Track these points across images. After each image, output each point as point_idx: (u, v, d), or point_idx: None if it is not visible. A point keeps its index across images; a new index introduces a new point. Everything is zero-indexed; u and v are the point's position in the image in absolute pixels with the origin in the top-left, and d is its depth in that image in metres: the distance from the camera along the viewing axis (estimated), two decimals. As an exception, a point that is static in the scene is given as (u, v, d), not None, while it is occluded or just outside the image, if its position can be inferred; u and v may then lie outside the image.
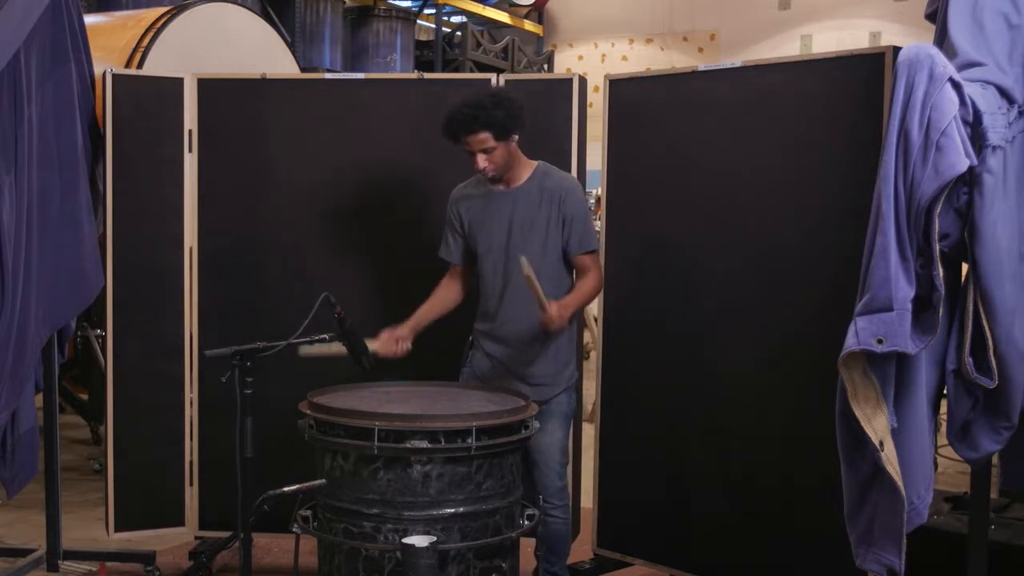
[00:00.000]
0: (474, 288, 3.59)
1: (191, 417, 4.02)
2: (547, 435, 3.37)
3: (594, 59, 14.37)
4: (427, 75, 4.02)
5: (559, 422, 3.47)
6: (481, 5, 13.43)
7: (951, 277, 2.44)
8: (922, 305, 2.35)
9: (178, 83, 3.96)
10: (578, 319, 3.67)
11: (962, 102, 2.32)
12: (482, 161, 3.33)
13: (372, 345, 3.33)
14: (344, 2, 10.75)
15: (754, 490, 3.49)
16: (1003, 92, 2.41)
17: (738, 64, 3.55)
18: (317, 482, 2.89)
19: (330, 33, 10.28)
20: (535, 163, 3.48)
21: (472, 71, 11.60)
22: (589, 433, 3.95)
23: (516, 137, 3.38)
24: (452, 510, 2.81)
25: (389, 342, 3.41)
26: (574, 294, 3.41)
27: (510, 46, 13.14)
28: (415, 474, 2.79)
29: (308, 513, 3.02)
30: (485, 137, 3.30)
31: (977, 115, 2.35)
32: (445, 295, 3.58)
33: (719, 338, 3.57)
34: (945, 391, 2.56)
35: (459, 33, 12.73)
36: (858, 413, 2.38)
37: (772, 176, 3.43)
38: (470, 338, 3.57)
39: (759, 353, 3.47)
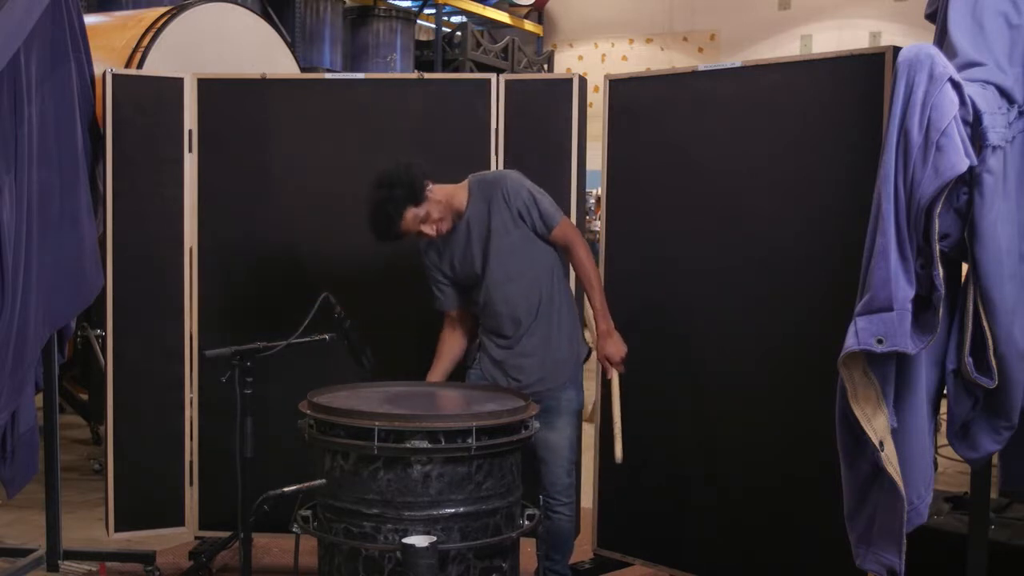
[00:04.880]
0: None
1: (191, 417, 4.02)
2: (557, 432, 3.37)
3: (594, 59, 14.36)
4: (427, 75, 4.02)
5: (569, 419, 3.47)
6: (481, 5, 13.42)
7: (951, 277, 2.44)
8: (922, 305, 2.35)
9: (178, 83, 3.96)
10: (579, 318, 3.67)
11: (962, 102, 2.32)
12: (429, 229, 3.32)
13: None
14: (344, 2, 10.74)
15: (754, 490, 3.49)
16: (1003, 92, 2.42)
17: (738, 64, 3.55)
18: (317, 482, 2.89)
19: (330, 33, 10.27)
20: (465, 181, 3.46)
21: (472, 71, 11.59)
22: (589, 433, 3.94)
23: (431, 187, 3.34)
24: (452, 510, 2.81)
25: None
26: (594, 302, 3.43)
27: (510, 46, 13.13)
28: (415, 474, 2.79)
29: (308, 513, 3.02)
30: (409, 215, 3.27)
31: (977, 115, 2.35)
32: (452, 346, 3.56)
33: (719, 338, 3.57)
34: (945, 391, 2.56)
35: (459, 33, 12.72)
36: (858, 413, 2.38)
37: (772, 176, 3.43)
38: (477, 341, 3.57)
39: (759, 353, 3.47)
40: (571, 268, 3.55)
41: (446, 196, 3.39)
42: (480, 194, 3.41)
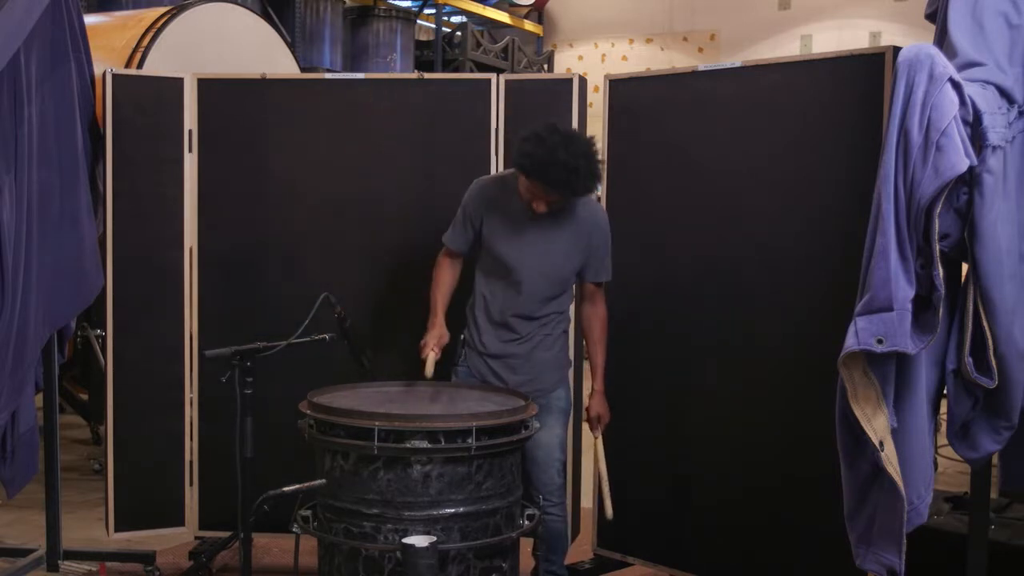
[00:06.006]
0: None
1: (191, 417, 4.02)
2: (547, 431, 3.37)
3: (594, 59, 14.34)
4: (427, 75, 4.02)
5: (559, 418, 3.48)
6: (481, 5, 13.40)
7: (951, 277, 2.44)
8: (922, 305, 2.35)
9: (178, 83, 3.96)
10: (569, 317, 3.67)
11: (962, 102, 2.32)
12: (541, 206, 3.29)
13: (428, 370, 3.32)
14: (344, 2, 10.73)
15: (754, 490, 3.49)
16: (1003, 92, 2.42)
17: (738, 64, 3.55)
18: (317, 482, 2.89)
19: (330, 33, 10.26)
20: None
21: (472, 71, 11.58)
22: (589, 435, 3.95)
23: None
24: (452, 510, 2.81)
25: (437, 349, 3.37)
26: (597, 361, 3.52)
27: (510, 46, 13.12)
28: (415, 474, 2.79)
29: (308, 513, 3.02)
30: (555, 198, 3.27)
31: (977, 115, 2.35)
32: (452, 279, 3.55)
33: (719, 338, 3.57)
34: (945, 391, 2.56)
35: (459, 33, 12.70)
36: (858, 413, 2.38)
37: (772, 176, 3.43)
38: (462, 336, 3.56)
39: (758, 352, 3.47)
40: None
41: None
42: (575, 205, 3.40)
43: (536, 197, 3.27)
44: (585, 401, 3.65)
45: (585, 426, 3.97)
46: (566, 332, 3.57)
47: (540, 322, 3.45)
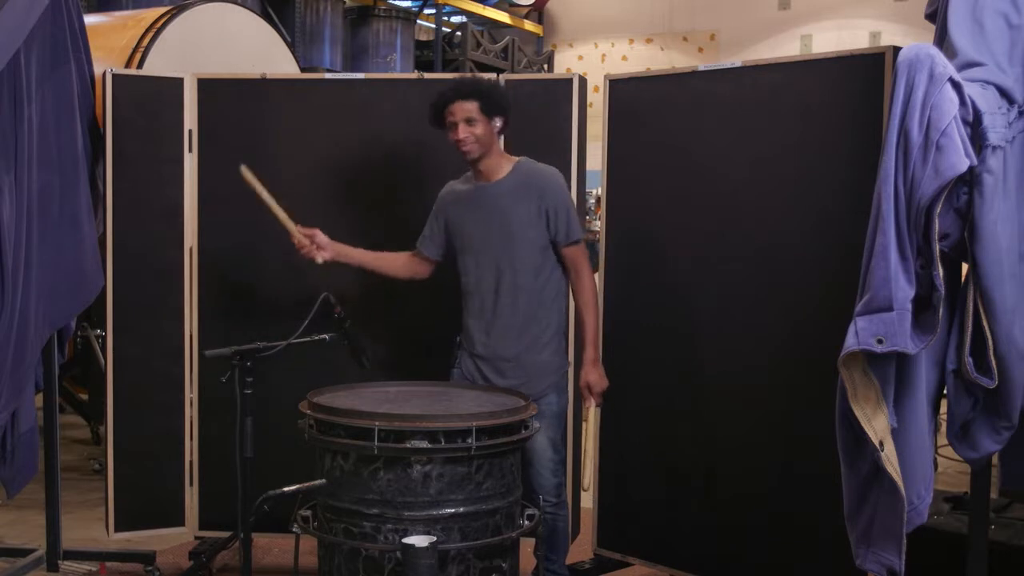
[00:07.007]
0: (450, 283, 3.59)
1: (191, 417, 4.02)
2: (539, 434, 3.37)
3: (594, 59, 14.35)
4: (427, 75, 4.02)
5: (550, 421, 3.46)
6: (481, 5, 13.40)
7: (951, 277, 2.44)
8: (922, 305, 2.35)
9: (178, 83, 3.96)
10: (568, 318, 3.66)
11: (962, 102, 2.32)
12: (463, 131, 3.33)
13: (282, 216, 3.45)
14: (344, 2, 10.73)
15: (754, 490, 3.49)
16: (1003, 92, 2.42)
17: (738, 64, 3.56)
18: (317, 482, 2.89)
19: (330, 33, 10.26)
20: (517, 159, 3.48)
21: (472, 71, 11.56)
22: (590, 427, 3.95)
23: (499, 124, 3.40)
24: (452, 510, 2.81)
25: (304, 236, 3.48)
26: (588, 329, 3.46)
27: (510, 46, 13.12)
28: (415, 474, 2.79)
29: (308, 513, 3.02)
30: (471, 107, 3.32)
31: (977, 115, 2.35)
32: (396, 261, 3.63)
33: (719, 338, 3.57)
34: (945, 391, 2.56)
35: (459, 33, 12.71)
36: (858, 413, 2.38)
37: (772, 176, 3.43)
38: (457, 338, 3.56)
39: (759, 353, 3.47)
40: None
41: (496, 148, 3.45)
42: (522, 175, 3.44)
43: (452, 127, 3.36)
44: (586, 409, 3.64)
45: (586, 424, 3.97)
46: (559, 334, 3.55)
47: (530, 313, 3.43)
